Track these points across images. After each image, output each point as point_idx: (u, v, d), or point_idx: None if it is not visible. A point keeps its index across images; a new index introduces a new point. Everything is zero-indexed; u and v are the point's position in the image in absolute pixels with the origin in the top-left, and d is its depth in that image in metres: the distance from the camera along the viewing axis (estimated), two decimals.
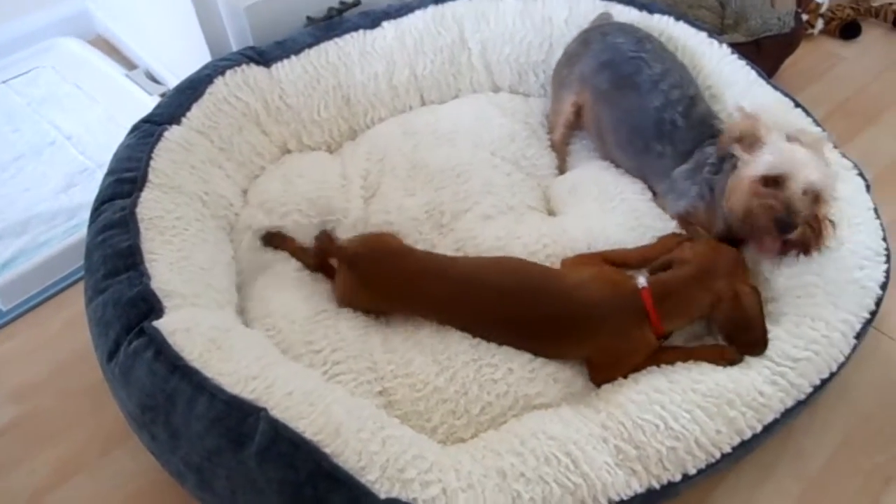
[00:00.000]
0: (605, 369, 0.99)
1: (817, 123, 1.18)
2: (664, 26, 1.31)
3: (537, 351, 1.00)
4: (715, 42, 1.28)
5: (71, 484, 1.02)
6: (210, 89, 1.20)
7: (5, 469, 1.03)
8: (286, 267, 1.12)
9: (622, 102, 1.20)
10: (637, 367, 0.98)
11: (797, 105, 1.20)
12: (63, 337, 1.19)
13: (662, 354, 0.99)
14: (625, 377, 0.97)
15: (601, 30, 1.27)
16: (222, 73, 1.23)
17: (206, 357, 0.85)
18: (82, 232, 1.08)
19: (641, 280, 1.00)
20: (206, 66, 1.25)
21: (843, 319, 0.97)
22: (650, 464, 0.85)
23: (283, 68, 1.28)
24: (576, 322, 0.99)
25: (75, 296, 1.21)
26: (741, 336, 0.97)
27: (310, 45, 1.31)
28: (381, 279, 1.04)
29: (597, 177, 1.24)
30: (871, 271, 1.01)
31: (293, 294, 1.07)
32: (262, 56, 1.28)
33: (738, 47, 1.30)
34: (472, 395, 0.96)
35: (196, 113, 1.17)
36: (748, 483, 0.99)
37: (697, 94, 1.19)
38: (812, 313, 0.98)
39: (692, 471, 0.86)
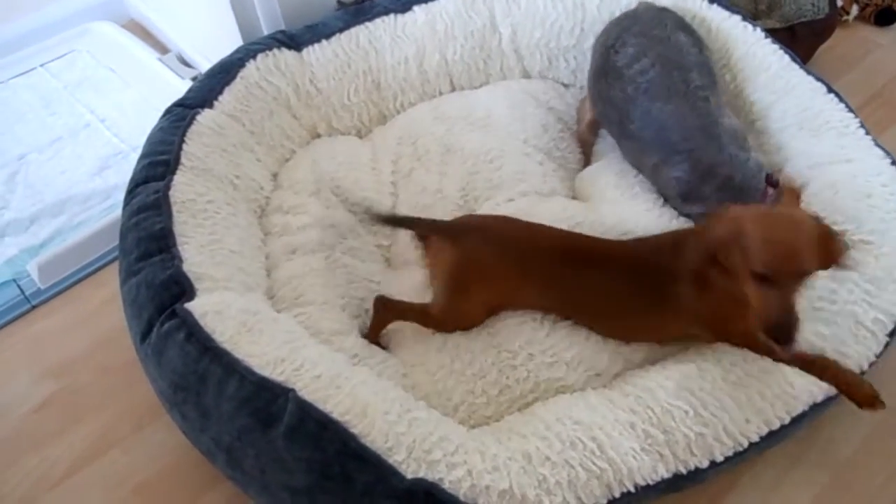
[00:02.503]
0: (721, 332, 0.91)
1: (850, 109, 1.15)
2: (697, 9, 1.28)
3: (645, 331, 0.96)
4: (749, 25, 1.24)
5: (106, 458, 1.03)
6: (242, 73, 1.21)
7: (43, 443, 1.05)
8: (314, 256, 1.11)
9: (601, 95, 1.20)
10: (794, 362, 0.89)
11: (830, 90, 1.17)
12: (100, 314, 1.21)
13: (818, 364, 0.88)
14: (747, 343, 0.91)
15: (602, 31, 1.26)
16: (254, 56, 1.23)
17: (236, 339, 0.86)
18: (117, 213, 1.08)
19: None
20: (237, 50, 1.25)
21: (874, 319, 0.94)
22: (678, 449, 0.85)
23: (314, 52, 1.28)
24: (656, 283, 0.91)
25: (111, 275, 1.22)
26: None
27: (340, 30, 1.30)
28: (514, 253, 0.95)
29: (615, 165, 1.22)
30: None
31: (321, 281, 1.06)
32: (293, 40, 1.28)
33: (771, 33, 1.26)
34: (491, 378, 0.95)
35: (228, 97, 1.18)
36: (776, 470, 0.98)
37: (653, 86, 1.10)
38: (845, 311, 0.95)
39: (719, 458, 0.86)
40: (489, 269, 0.96)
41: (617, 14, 1.31)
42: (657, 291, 0.93)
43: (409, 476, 0.78)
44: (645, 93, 1.11)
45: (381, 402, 0.84)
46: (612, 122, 1.19)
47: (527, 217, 1.07)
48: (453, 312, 0.97)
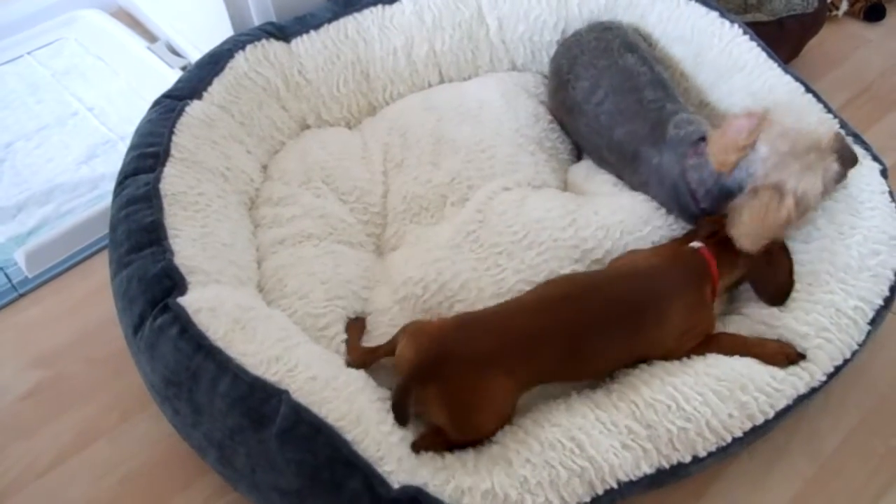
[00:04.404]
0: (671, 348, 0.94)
1: (829, 110, 1.13)
2: (674, 6, 1.26)
3: (633, 350, 0.93)
4: (727, 22, 1.22)
5: (92, 448, 1.01)
6: (231, 64, 1.18)
7: (29, 432, 1.03)
8: (303, 247, 1.09)
9: (570, 127, 1.25)
10: (695, 351, 0.93)
11: (808, 90, 1.14)
12: (87, 304, 1.18)
13: (722, 340, 0.95)
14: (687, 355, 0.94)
15: (554, 58, 1.29)
16: (242, 48, 1.20)
17: (230, 337, 0.84)
18: (105, 202, 1.07)
19: (695, 243, 0.97)
20: (226, 41, 1.22)
21: (854, 307, 0.94)
22: (661, 443, 0.84)
23: (303, 43, 1.25)
24: (651, 300, 0.91)
25: (99, 264, 1.21)
26: (766, 281, 0.97)
27: (329, 21, 1.27)
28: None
29: None
30: (885, 257, 0.98)
31: (310, 275, 1.04)
32: (282, 31, 1.25)
33: (759, 27, 1.25)
34: None
35: (217, 88, 1.15)
36: (760, 462, 0.97)
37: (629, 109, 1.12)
38: (824, 300, 0.95)
39: (702, 453, 0.85)
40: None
41: (595, 13, 1.30)
42: (642, 324, 0.92)
43: (396, 486, 0.77)
44: (607, 123, 1.14)
45: (376, 411, 0.83)
46: (589, 151, 1.23)
47: (519, 208, 1.07)
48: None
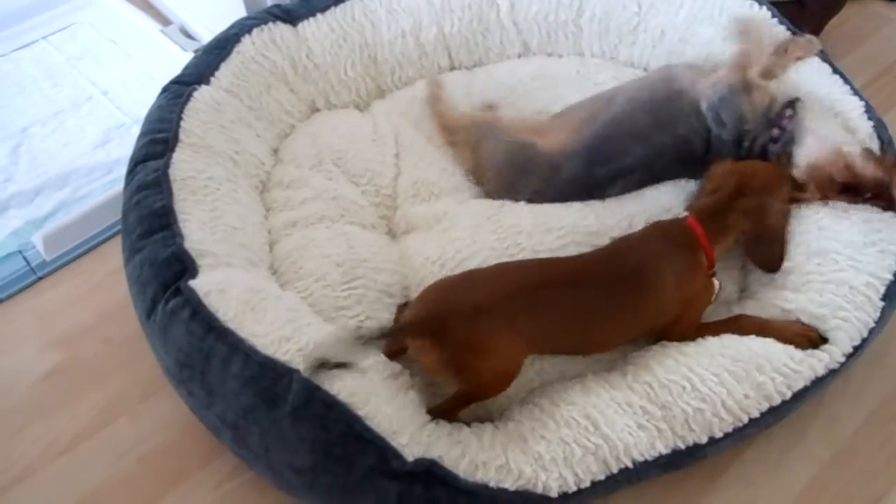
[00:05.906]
0: (676, 321, 0.93)
1: (855, 92, 1.11)
2: None
3: (636, 320, 0.92)
4: (755, 4, 1.20)
5: (111, 428, 1.02)
6: (237, 48, 1.17)
7: (49, 413, 1.04)
8: (315, 229, 1.08)
9: None
10: (713, 330, 0.93)
11: (835, 71, 1.13)
12: (105, 286, 1.19)
13: (742, 322, 0.94)
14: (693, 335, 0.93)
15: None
16: (249, 31, 1.19)
17: (240, 318, 0.84)
18: (120, 186, 1.07)
19: (682, 213, 0.97)
20: (233, 25, 1.21)
21: (866, 283, 0.93)
22: (676, 424, 0.83)
23: (310, 26, 1.24)
24: (638, 268, 0.90)
25: (116, 247, 1.20)
26: (759, 249, 0.97)
27: (335, 4, 1.26)
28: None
29: None
30: (886, 234, 0.96)
31: (324, 257, 1.03)
32: (289, 14, 1.24)
33: (781, 6, 1.22)
34: None
35: (224, 72, 1.14)
36: (778, 446, 0.96)
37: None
38: (836, 279, 0.94)
39: (719, 434, 0.84)
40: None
41: None
42: (635, 292, 0.91)
43: (411, 459, 0.77)
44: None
45: (388, 387, 0.83)
46: None
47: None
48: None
